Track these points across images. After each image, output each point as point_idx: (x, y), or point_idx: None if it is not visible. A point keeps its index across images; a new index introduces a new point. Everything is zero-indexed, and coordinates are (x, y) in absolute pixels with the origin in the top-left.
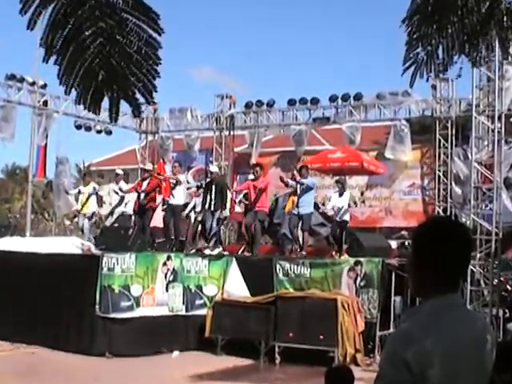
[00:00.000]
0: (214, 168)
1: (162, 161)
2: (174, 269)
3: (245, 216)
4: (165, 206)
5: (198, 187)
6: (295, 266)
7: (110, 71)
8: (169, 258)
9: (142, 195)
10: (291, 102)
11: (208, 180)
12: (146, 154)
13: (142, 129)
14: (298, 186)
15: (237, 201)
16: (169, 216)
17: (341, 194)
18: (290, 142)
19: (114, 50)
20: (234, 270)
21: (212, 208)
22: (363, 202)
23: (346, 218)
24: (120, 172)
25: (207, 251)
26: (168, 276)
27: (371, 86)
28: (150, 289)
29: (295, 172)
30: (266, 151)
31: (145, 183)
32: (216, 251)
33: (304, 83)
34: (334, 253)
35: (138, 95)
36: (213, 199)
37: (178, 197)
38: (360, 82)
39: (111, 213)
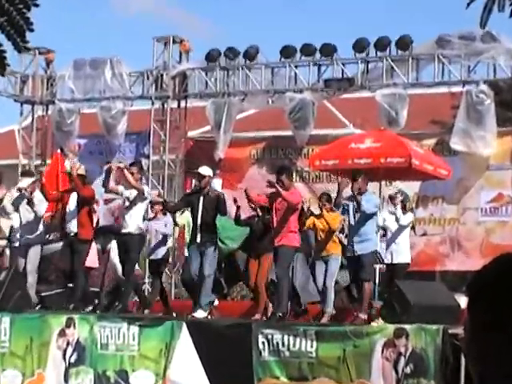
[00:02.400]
0: (205, 170)
1: (59, 152)
2: (78, 342)
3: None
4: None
5: (164, 204)
6: (291, 338)
7: None
8: (70, 322)
9: (72, 219)
10: (287, 52)
11: (192, 189)
12: (31, 140)
13: (26, 95)
14: (352, 207)
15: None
16: (120, 253)
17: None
18: (285, 122)
19: None
20: (185, 344)
21: (198, 240)
22: (412, 227)
23: (406, 257)
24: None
25: (199, 313)
26: (68, 355)
27: (427, 26)
28: (36, 378)
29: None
30: (242, 137)
31: (73, 198)
32: (201, 314)
33: (309, 22)
34: (360, 315)
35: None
36: (198, 224)
37: (136, 221)
38: (406, 19)
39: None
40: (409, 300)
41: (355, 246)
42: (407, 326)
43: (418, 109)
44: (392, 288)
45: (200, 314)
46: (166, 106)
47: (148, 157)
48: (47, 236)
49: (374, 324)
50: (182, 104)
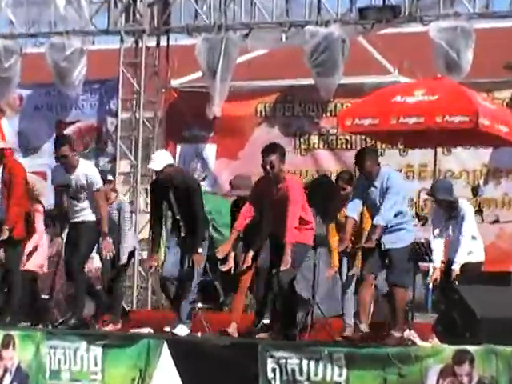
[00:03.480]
0: (158, 162)
1: None
2: (19, 367)
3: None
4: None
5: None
6: (311, 364)
7: None
8: (8, 341)
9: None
10: None
11: (153, 180)
12: None
13: None
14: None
15: None
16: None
17: (451, 217)
18: (304, 66)
19: None
20: (166, 370)
21: (183, 233)
22: (479, 211)
23: (478, 255)
24: None
25: (179, 330)
26: None
27: None
28: None
29: None
30: (245, 87)
31: None
32: (183, 330)
33: None
34: (393, 333)
35: None
36: (181, 223)
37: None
38: None
39: None
40: (474, 312)
41: (382, 236)
42: (472, 348)
43: (488, 49)
44: (451, 296)
45: (180, 330)
46: (140, 44)
47: (116, 114)
48: None
49: (426, 345)
50: (163, 42)
